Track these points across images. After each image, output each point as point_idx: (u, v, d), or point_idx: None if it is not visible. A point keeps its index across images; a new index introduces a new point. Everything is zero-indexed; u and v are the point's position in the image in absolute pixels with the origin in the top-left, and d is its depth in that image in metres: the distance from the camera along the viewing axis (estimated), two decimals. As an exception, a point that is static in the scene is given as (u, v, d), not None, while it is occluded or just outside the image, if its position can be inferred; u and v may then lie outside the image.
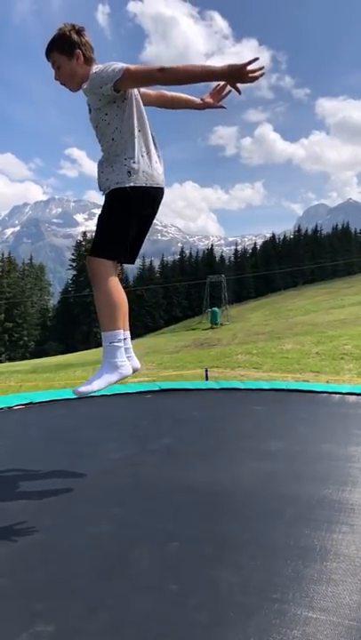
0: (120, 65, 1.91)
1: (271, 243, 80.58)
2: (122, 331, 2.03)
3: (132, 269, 78.55)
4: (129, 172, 1.99)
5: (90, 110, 2.09)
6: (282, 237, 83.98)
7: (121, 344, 2.02)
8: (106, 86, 1.92)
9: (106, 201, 2.06)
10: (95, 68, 2.01)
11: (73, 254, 64.48)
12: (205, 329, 34.28)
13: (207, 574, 1.37)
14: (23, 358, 47.72)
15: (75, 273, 63.03)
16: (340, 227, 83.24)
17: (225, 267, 71.99)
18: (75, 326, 58.52)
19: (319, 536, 1.55)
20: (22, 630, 1.15)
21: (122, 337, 2.03)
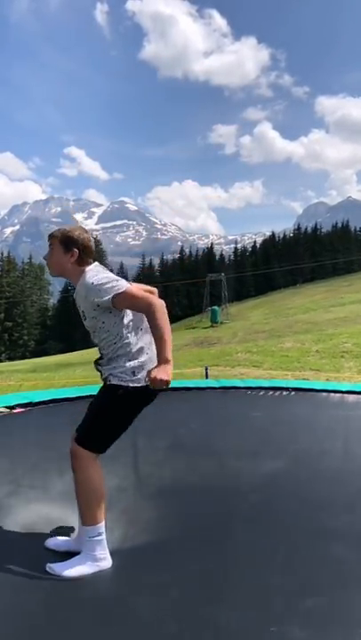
0: (122, 285, 1.98)
1: (271, 241, 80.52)
2: (102, 524, 1.99)
3: (131, 268, 78.52)
4: (133, 372, 2.02)
5: (84, 317, 2.12)
6: (282, 236, 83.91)
7: (102, 537, 1.98)
8: (103, 300, 1.98)
9: (105, 394, 2.05)
10: (91, 273, 2.06)
11: (73, 253, 64.38)
12: (205, 327, 34.25)
13: (206, 614, 1.37)
14: (23, 357, 47.71)
15: (74, 272, 62.92)
16: (339, 225, 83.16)
17: (225, 265, 71.97)
18: (75, 325, 58.41)
19: (313, 568, 1.56)
20: None
21: (102, 530, 1.99)
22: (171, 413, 3.52)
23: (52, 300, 68.22)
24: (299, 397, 3.77)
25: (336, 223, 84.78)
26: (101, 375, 2.11)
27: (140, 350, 2.07)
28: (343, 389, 3.79)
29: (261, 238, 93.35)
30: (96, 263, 2.17)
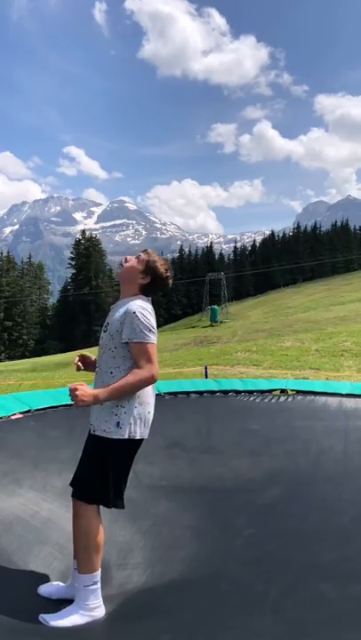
0: (150, 339, 1.99)
1: (270, 240, 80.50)
2: (98, 572, 1.98)
3: (131, 267, 78.32)
4: (143, 423, 2.04)
5: (105, 330, 2.12)
6: (281, 235, 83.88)
7: (97, 586, 1.97)
8: (125, 333, 1.99)
9: (105, 447, 2.01)
10: (141, 305, 2.05)
11: (72, 253, 64.38)
12: (205, 327, 34.24)
13: None
14: (23, 357, 47.70)
15: (74, 271, 62.95)
16: (339, 224, 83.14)
17: (224, 264, 71.98)
18: (74, 325, 58.46)
19: (304, 609, 1.54)
20: None
21: (98, 579, 1.98)
22: (170, 418, 3.49)
23: (52, 300, 68.21)
24: (298, 402, 3.74)
25: (336, 222, 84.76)
26: (90, 421, 2.07)
27: (142, 403, 2.06)
28: (343, 392, 3.76)
29: (261, 237, 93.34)
30: (150, 301, 2.16)
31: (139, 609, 1.80)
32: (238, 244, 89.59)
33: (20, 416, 3.66)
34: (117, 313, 2.08)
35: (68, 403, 3.86)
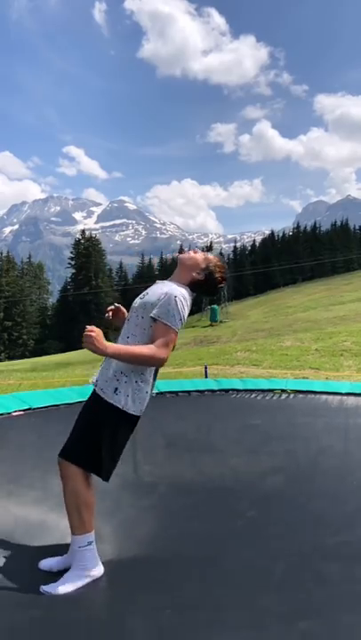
0: (174, 324, 2.01)
1: (270, 240, 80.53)
2: (91, 533, 2.01)
3: (130, 267, 78.52)
4: (139, 401, 2.04)
5: (136, 302, 2.14)
6: (281, 234, 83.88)
7: (92, 547, 2.00)
8: (155, 311, 2.01)
9: (98, 408, 2.03)
10: (183, 294, 2.08)
11: (72, 253, 64.38)
12: (205, 326, 34.23)
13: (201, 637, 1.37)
14: (23, 357, 47.69)
15: (74, 271, 62.95)
16: (338, 223, 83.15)
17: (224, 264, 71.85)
18: (74, 324, 58.40)
19: (309, 592, 1.54)
20: None
21: (92, 539, 2.01)
22: (169, 416, 3.50)
23: (52, 300, 68.21)
24: (299, 399, 3.75)
25: (335, 222, 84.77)
26: (97, 382, 2.08)
27: (147, 381, 2.07)
28: (343, 391, 3.77)
29: (261, 237, 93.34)
30: (192, 297, 2.18)
31: (141, 583, 1.80)
32: (238, 244, 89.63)
33: (21, 413, 3.68)
34: (160, 289, 2.10)
35: (69, 402, 3.88)
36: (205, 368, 8.24)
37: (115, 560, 2.03)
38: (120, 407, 2.00)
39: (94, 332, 1.92)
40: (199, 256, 2.21)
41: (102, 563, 1.96)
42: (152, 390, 2.12)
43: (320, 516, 2.13)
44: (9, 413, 3.61)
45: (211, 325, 33.79)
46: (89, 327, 1.92)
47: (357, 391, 3.73)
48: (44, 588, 1.92)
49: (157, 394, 4.19)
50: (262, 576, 1.70)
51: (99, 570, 1.99)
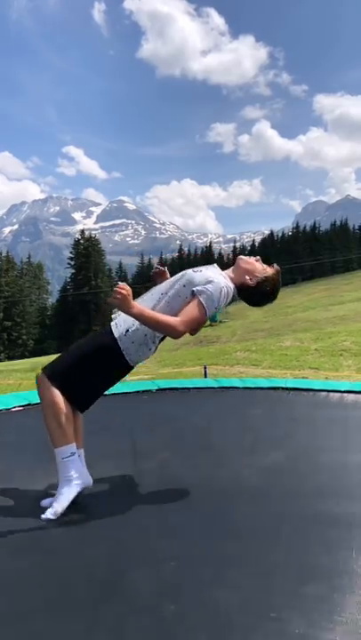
0: (208, 310, 2.03)
1: (270, 239, 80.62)
2: (73, 445, 2.03)
3: (130, 267, 78.52)
4: (140, 352, 2.09)
5: (194, 270, 2.17)
6: (280, 234, 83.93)
7: (75, 457, 2.03)
8: (197, 287, 2.04)
9: (103, 341, 2.08)
10: (229, 287, 2.12)
11: (71, 253, 64.38)
12: (204, 326, 34.10)
13: (205, 595, 1.37)
14: (22, 357, 47.70)
15: (73, 271, 62.96)
16: (338, 223, 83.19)
17: (223, 264, 71.83)
18: (73, 324, 58.46)
19: (318, 553, 1.56)
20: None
21: (74, 450, 2.03)
22: (169, 413, 3.51)
23: (51, 300, 68.23)
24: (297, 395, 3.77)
25: (335, 221, 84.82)
26: (111, 320, 2.16)
27: (154, 341, 2.11)
28: (342, 389, 3.79)
29: (260, 237, 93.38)
30: (234, 299, 2.22)
31: (146, 530, 1.80)
32: (238, 244, 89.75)
33: (21, 409, 3.70)
34: (214, 273, 2.14)
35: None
36: (205, 368, 8.25)
37: (118, 510, 2.04)
38: (122, 349, 2.03)
39: (125, 290, 1.91)
40: (258, 265, 2.22)
41: (106, 515, 1.98)
42: (154, 351, 2.16)
43: (321, 487, 2.13)
44: (8, 409, 3.64)
45: (210, 325, 33.83)
46: (121, 284, 1.93)
47: (357, 389, 3.74)
48: (43, 516, 1.94)
49: (158, 389, 4.20)
50: (267, 538, 1.71)
51: (87, 478, 2.06)
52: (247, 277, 2.18)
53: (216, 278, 2.09)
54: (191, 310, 2.01)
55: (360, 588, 1.35)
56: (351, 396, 3.64)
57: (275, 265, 2.26)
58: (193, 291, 2.05)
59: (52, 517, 1.93)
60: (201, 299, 2.02)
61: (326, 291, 42.79)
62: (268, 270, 2.22)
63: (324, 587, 1.35)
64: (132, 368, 2.12)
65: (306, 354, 11.71)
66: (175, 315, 2.01)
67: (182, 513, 1.96)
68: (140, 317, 1.94)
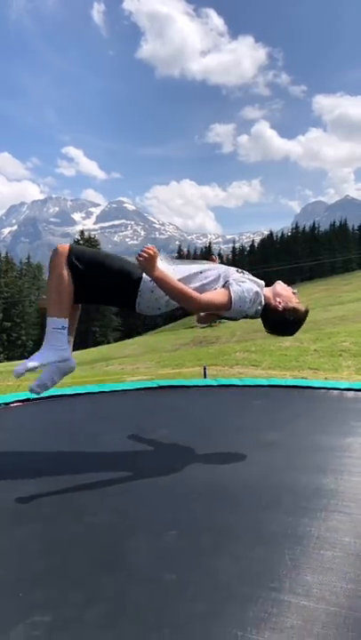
0: (231, 302, 2.04)
1: (269, 240, 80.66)
2: (66, 320, 2.11)
3: (130, 268, 78.27)
4: (151, 302, 2.13)
5: (240, 271, 2.25)
6: (280, 235, 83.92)
7: (64, 332, 2.11)
8: (233, 283, 2.08)
9: (131, 269, 2.10)
10: (260, 295, 2.16)
11: (71, 253, 64.28)
12: (204, 327, 34.28)
13: (205, 564, 1.38)
14: (21, 358, 47.62)
15: (73, 272, 62.87)
16: (337, 224, 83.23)
17: (223, 264, 71.91)
18: (73, 325, 58.32)
19: (317, 525, 1.56)
20: (19, 621, 1.15)
21: (66, 325, 2.11)
22: (169, 408, 3.52)
23: (51, 300, 68.07)
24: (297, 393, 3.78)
25: (334, 222, 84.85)
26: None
27: (167, 305, 2.15)
28: (341, 387, 3.79)
29: (260, 237, 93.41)
30: (259, 309, 2.21)
31: (142, 507, 1.81)
32: (237, 245, 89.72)
33: (20, 404, 3.71)
34: (253, 282, 2.17)
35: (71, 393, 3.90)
36: (204, 369, 8.26)
37: (118, 479, 2.07)
38: (139, 289, 2.07)
39: (151, 251, 1.92)
40: (293, 296, 2.24)
41: (106, 484, 2.01)
42: (159, 314, 2.21)
43: (322, 463, 2.15)
44: (7, 404, 3.65)
45: (210, 326, 33.82)
46: (150, 245, 1.95)
47: (356, 387, 3.76)
48: (32, 385, 2.09)
49: (157, 387, 4.21)
50: (270, 505, 1.73)
51: (70, 358, 2.13)
52: (278, 300, 2.19)
53: (252, 284, 2.13)
54: (217, 295, 2.04)
55: (358, 559, 1.37)
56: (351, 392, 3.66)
57: (307, 306, 2.27)
58: (227, 281, 2.08)
59: (20, 370, 2.05)
60: (231, 290, 2.04)
61: (326, 291, 42.82)
62: (300, 305, 2.23)
63: (325, 558, 1.37)
64: (133, 309, 2.16)
65: (305, 354, 11.72)
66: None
67: (183, 483, 1.98)
68: (159, 282, 1.95)
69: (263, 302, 2.19)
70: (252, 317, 2.23)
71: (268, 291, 2.24)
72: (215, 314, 2.30)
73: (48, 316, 2.10)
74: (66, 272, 2.04)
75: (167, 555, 1.44)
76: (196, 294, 1.99)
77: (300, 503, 1.73)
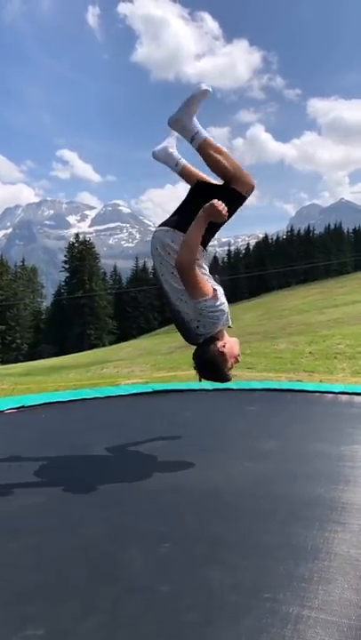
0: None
1: (264, 243, 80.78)
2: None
3: (125, 271, 78.48)
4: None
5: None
6: (275, 237, 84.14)
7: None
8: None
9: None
10: (215, 311, 2.15)
11: (65, 256, 64.25)
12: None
13: (199, 574, 1.37)
14: (16, 361, 47.49)
15: (67, 275, 62.81)
16: (332, 226, 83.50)
17: (218, 267, 72.15)
18: (68, 328, 58.33)
19: (311, 535, 1.55)
20: (11, 634, 1.14)
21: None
22: (164, 414, 3.51)
23: (45, 303, 68.01)
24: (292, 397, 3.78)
25: (329, 225, 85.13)
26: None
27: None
28: (336, 390, 3.80)
29: (255, 240, 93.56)
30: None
31: (136, 517, 1.80)
32: (232, 247, 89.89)
33: (14, 411, 3.69)
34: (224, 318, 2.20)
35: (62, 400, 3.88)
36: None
37: (113, 492, 2.07)
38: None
39: (224, 214, 2.03)
40: (235, 357, 2.25)
41: (102, 497, 2.00)
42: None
43: (315, 473, 2.15)
44: (1, 411, 3.63)
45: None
46: (219, 202, 2.01)
47: (350, 391, 3.76)
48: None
49: (155, 391, 4.20)
50: (265, 514, 1.74)
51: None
52: (225, 346, 2.22)
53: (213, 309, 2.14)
54: (206, 283, 2.13)
55: (352, 569, 1.36)
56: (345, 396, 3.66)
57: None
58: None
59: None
60: (219, 292, 2.15)
61: (321, 294, 42.93)
62: (230, 365, 2.26)
63: (318, 567, 1.37)
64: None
65: (300, 357, 11.72)
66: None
67: (177, 493, 1.97)
68: (197, 226, 2.03)
69: (215, 332, 2.19)
70: (193, 335, 2.24)
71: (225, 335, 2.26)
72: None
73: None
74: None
75: (162, 565, 1.44)
76: (195, 260, 2.04)
77: (294, 513, 1.73)
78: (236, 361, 2.26)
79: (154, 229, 2.32)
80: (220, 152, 2.23)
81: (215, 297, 2.10)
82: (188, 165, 2.45)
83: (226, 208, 2.03)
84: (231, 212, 2.14)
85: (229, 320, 2.26)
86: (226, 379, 2.26)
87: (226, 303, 2.18)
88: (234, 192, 2.21)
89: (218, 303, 2.11)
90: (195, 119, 2.26)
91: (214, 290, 2.12)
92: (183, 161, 2.46)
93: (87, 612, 1.22)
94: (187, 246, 2.03)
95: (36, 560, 1.53)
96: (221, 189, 2.21)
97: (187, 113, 2.23)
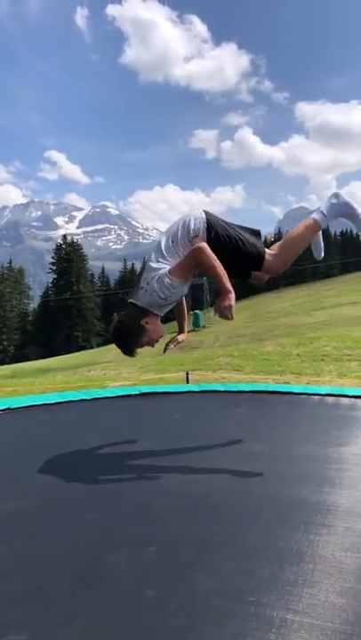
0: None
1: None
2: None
3: (113, 273, 78.19)
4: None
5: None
6: (262, 240, 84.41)
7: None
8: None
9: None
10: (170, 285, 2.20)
11: (53, 257, 63.87)
12: (188, 331, 34.16)
13: (185, 578, 1.37)
14: (3, 363, 47.04)
15: (55, 276, 62.45)
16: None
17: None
18: (55, 330, 57.94)
19: (296, 538, 1.55)
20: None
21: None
22: (151, 416, 3.50)
23: (32, 305, 67.53)
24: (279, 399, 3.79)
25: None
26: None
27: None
28: (322, 392, 3.82)
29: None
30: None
31: (121, 521, 1.79)
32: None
33: (0, 413, 3.66)
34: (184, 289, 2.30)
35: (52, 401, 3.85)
36: (187, 374, 8.25)
37: (99, 495, 2.06)
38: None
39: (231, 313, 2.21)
40: (157, 336, 2.35)
41: (87, 501, 1.94)
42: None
43: (302, 475, 2.15)
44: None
45: (193, 331, 33.84)
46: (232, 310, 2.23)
47: (337, 393, 3.79)
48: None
49: (144, 394, 4.18)
50: (250, 517, 1.74)
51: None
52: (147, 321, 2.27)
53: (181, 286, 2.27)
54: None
55: (337, 572, 1.36)
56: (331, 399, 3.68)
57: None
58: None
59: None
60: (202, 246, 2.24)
61: (308, 296, 43.22)
62: (147, 341, 2.31)
63: (303, 571, 1.37)
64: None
65: (288, 359, 11.79)
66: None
67: (163, 496, 1.97)
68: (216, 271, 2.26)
69: (150, 308, 2.23)
70: (136, 292, 2.25)
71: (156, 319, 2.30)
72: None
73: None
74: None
75: (146, 569, 1.43)
76: (209, 261, 2.20)
77: (280, 515, 1.73)
78: (150, 344, 2.30)
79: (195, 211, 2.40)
80: (300, 239, 2.55)
81: (182, 285, 2.18)
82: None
83: (231, 308, 2.25)
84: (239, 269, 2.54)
85: (162, 311, 2.29)
86: (129, 352, 2.28)
87: (175, 302, 2.32)
88: (256, 265, 2.54)
89: (175, 291, 2.17)
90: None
91: (185, 285, 2.24)
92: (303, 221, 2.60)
93: (71, 617, 1.21)
94: (214, 259, 2.21)
95: (20, 564, 1.51)
96: (251, 257, 2.56)
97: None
